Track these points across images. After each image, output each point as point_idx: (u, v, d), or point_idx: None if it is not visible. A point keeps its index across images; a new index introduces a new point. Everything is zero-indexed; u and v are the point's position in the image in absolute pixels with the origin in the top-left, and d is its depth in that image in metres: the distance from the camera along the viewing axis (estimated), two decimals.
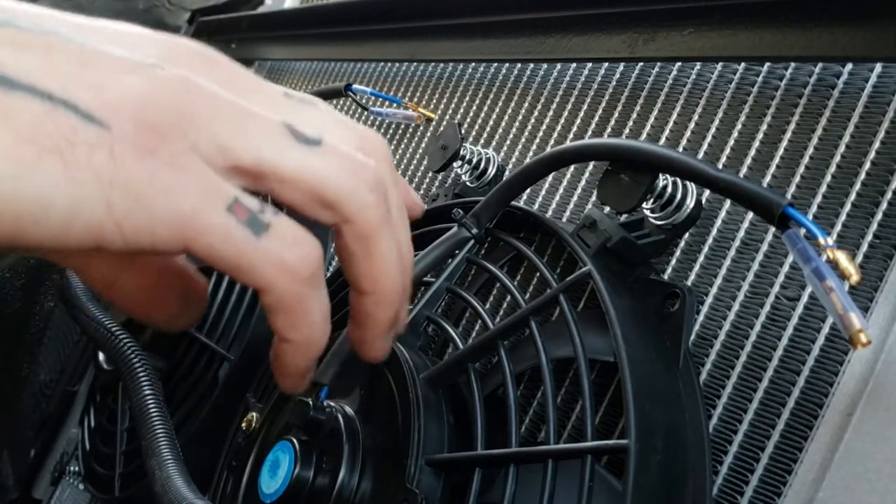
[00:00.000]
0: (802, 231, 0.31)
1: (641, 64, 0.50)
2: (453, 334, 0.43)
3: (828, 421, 0.34)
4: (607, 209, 0.43)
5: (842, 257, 0.29)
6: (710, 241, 0.41)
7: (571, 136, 0.52)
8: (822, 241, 0.29)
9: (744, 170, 0.41)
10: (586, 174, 0.49)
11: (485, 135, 0.59)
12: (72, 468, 0.75)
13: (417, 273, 0.44)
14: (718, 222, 0.41)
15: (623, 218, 0.42)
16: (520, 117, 0.57)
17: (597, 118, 0.51)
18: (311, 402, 0.38)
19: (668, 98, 0.47)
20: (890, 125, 0.37)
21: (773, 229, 0.39)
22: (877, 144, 0.37)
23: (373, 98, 0.67)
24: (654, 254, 0.40)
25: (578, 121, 0.52)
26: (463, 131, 0.55)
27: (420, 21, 0.66)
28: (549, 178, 0.51)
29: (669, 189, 0.39)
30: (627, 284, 0.39)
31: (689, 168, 0.34)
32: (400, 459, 0.36)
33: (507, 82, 0.59)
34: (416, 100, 0.67)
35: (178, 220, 0.24)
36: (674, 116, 0.46)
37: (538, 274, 0.46)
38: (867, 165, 0.37)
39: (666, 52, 0.46)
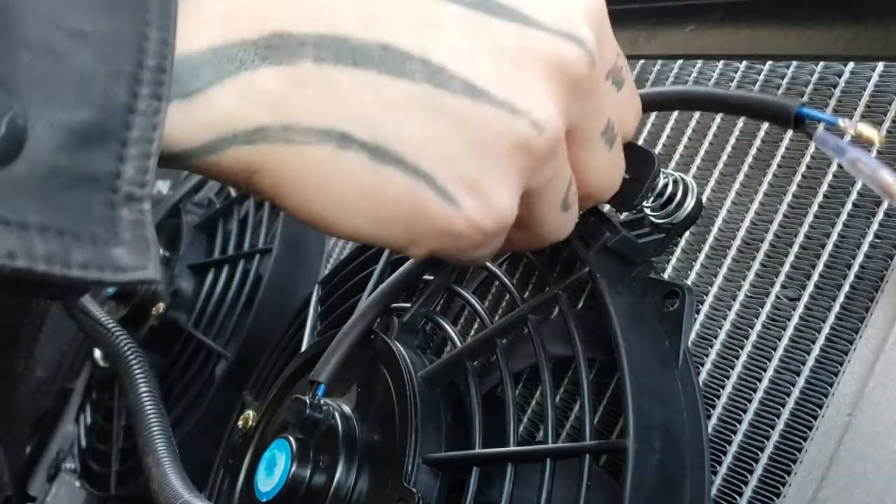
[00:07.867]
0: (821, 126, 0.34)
1: (643, 61, 0.49)
2: (451, 333, 0.42)
3: (827, 421, 0.34)
4: (607, 207, 0.43)
5: (864, 129, 0.32)
6: (710, 240, 0.41)
7: None
8: (841, 124, 0.32)
9: (744, 168, 0.41)
10: None
11: None
12: (68, 465, 0.74)
13: (419, 274, 0.43)
14: (719, 221, 0.41)
15: (623, 216, 0.41)
16: None
17: None
18: (307, 400, 0.38)
19: None
20: (891, 125, 0.37)
21: (775, 227, 0.39)
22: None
23: None
24: (654, 253, 0.40)
25: None
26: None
27: None
28: None
29: (670, 187, 0.39)
30: (627, 283, 0.39)
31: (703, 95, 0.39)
32: (397, 458, 0.36)
33: None
34: None
35: None
36: (675, 114, 0.46)
37: (537, 272, 0.45)
38: None
39: (667, 49, 0.46)
